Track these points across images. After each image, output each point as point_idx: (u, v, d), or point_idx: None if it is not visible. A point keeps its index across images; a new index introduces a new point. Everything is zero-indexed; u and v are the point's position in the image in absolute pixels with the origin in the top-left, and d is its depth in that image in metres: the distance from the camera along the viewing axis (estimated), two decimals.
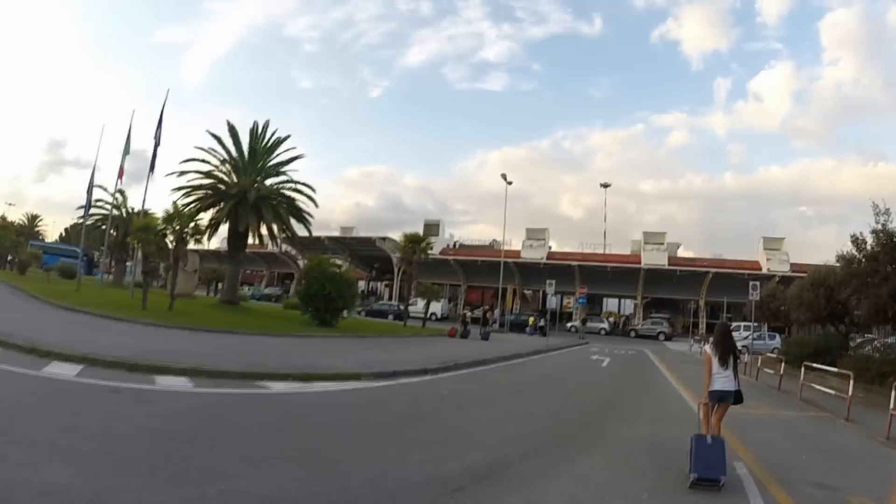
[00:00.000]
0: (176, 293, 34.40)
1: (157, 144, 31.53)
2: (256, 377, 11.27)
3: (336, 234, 77.39)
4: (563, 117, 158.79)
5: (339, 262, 76.09)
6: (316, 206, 33.09)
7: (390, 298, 69.15)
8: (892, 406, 11.20)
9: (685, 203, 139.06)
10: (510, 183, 51.59)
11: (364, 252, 73.15)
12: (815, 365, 17.01)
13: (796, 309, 25.93)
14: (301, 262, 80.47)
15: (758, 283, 29.21)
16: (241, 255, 32.83)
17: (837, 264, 20.84)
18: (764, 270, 54.09)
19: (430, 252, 70.64)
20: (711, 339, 7.72)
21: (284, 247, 78.49)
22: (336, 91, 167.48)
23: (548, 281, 38.49)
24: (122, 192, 43.32)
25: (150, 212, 29.87)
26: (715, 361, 7.33)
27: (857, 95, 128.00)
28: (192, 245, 31.24)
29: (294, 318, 27.94)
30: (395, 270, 68.40)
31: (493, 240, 73.42)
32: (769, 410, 13.71)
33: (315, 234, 76.89)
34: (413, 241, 39.17)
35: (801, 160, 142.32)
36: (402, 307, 47.31)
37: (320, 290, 26.24)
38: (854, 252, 19.31)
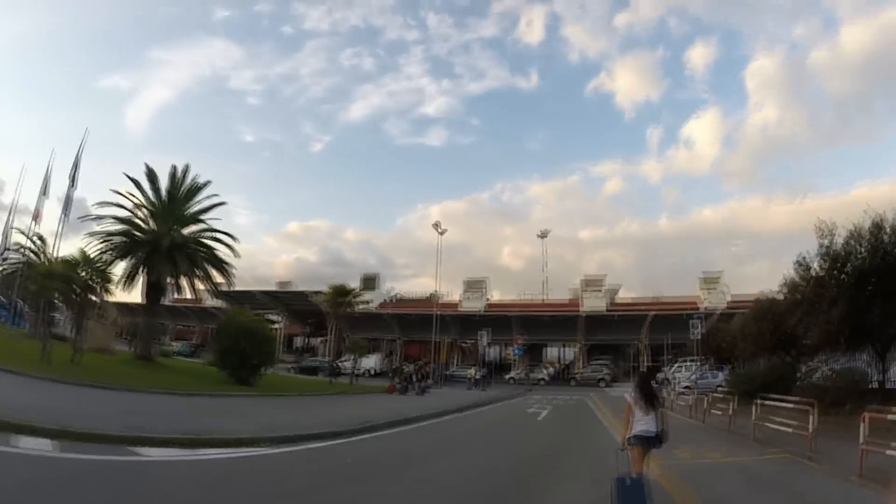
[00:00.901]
0: (93, 347, 31.71)
1: (71, 186, 30.08)
2: (134, 442, 9.58)
3: (274, 289, 74.44)
4: (502, 170, 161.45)
5: (273, 317, 74.23)
6: (236, 255, 30.80)
7: (326, 355, 66.25)
8: (861, 440, 10.06)
9: (623, 248, 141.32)
10: (443, 232, 50.43)
11: (298, 307, 70.58)
12: (769, 401, 15.84)
13: (741, 342, 24.91)
14: None
15: (698, 320, 28.11)
16: (157, 308, 30.49)
17: (780, 294, 19.81)
18: (703, 307, 53.80)
19: (368, 306, 69.76)
20: (633, 386, 7.90)
21: (218, 301, 75.48)
22: (278, 145, 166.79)
23: (480, 332, 36.51)
24: (40, 238, 39.89)
25: (71, 259, 27.24)
26: (638, 407, 7.52)
27: (781, 136, 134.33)
28: (110, 296, 28.89)
29: (212, 375, 25.64)
30: (330, 327, 65.91)
31: (433, 292, 71.90)
32: (723, 457, 12.44)
33: (253, 289, 75.24)
34: (340, 294, 36.81)
35: (732, 200, 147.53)
36: (335, 364, 45.24)
37: (234, 346, 24.23)
38: (796, 279, 18.32)
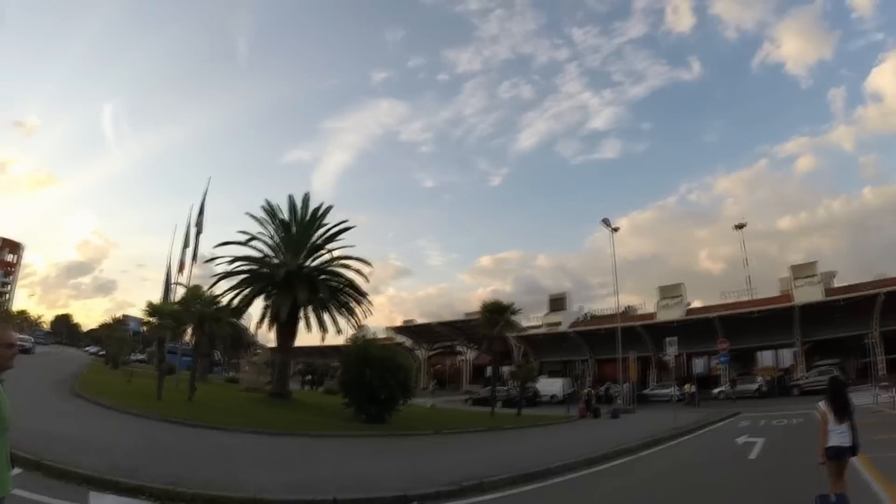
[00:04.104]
0: (246, 386, 30.95)
1: (198, 232, 31.14)
2: (101, 485, 8.12)
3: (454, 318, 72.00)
4: (684, 170, 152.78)
5: (460, 348, 71.93)
6: (367, 280, 28.73)
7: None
8: None
9: (829, 232, 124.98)
10: (616, 229, 44.59)
11: (480, 335, 66.84)
12: None
13: None
14: (418, 353, 75.95)
15: None
16: (289, 344, 28.58)
17: None
18: None
19: (558, 327, 65.30)
20: (826, 395, 7.64)
21: (400, 338, 74.84)
22: (458, 185, 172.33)
23: (668, 339, 29.84)
24: (198, 287, 41.00)
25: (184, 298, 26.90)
26: (831, 417, 7.24)
27: None
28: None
29: (345, 414, 22.38)
30: (515, 352, 61.88)
31: (628, 306, 65.93)
32: None
33: (432, 321, 73.59)
34: (493, 311, 32.13)
35: None
36: (512, 392, 40.99)
37: (357, 378, 21.23)
38: None
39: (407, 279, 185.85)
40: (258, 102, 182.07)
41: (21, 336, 30.63)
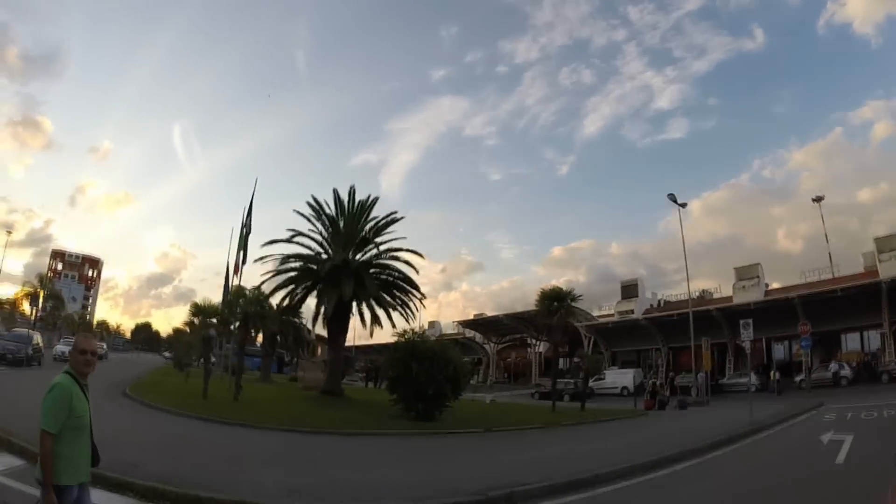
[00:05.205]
0: (304, 385, 31.12)
1: (247, 233, 31.17)
2: (96, 480, 6.98)
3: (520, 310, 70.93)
4: (755, 144, 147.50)
5: (530, 341, 70.93)
6: (417, 272, 28.47)
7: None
8: None
9: None
10: (683, 205, 43.09)
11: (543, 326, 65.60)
12: None
13: None
14: (487, 347, 75.43)
15: None
16: (341, 341, 28.77)
17: None
18: None
19: (630, 315, 63.52)
20: None
21: (469, 332, 74.57)
22: (525, 177, 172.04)
23: (742, 321, 27.43)
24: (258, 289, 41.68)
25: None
26: None
27: None
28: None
29: (396, 411, 21.57)
30: (585, 343, 60.43)
31: (703, 290, 63.42)
32: None
33: (499, 314, 72.80)
34: (551, 299, 30.39)
35: None
36: (579, 384, 39.67)
37: (404, 373, 20.54)
38: None
39: (479, 274, 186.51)
40: (322, 110, 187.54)
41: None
